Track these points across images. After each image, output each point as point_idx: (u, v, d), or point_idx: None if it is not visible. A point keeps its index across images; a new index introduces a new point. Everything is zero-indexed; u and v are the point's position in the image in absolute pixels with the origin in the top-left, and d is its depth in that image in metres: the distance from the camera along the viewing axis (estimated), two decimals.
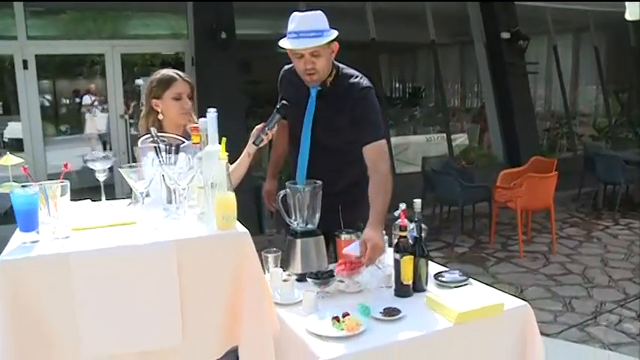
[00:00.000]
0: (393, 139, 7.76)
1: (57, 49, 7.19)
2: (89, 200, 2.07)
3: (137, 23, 7.61)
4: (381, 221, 2.25)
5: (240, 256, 1.66)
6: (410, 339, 1.82)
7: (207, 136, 1.82)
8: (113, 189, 5.06)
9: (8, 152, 1.77)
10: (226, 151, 1.77)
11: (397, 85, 13.22)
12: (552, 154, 8.53)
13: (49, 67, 8.46)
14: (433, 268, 2.32)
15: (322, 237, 2.33)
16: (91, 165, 1.95)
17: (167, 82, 2.44)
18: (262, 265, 1.97)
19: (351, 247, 2.23)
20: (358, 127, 2.43)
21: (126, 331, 1.57)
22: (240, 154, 2.42)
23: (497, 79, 8.70)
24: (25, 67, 6.40)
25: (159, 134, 2.04)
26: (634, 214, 7.16)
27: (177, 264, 1.59)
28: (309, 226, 2.31)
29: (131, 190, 1.85)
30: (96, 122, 8.78)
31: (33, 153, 6.55)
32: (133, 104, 7.87)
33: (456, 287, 2.17)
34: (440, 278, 2.24)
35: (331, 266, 2.30)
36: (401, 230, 2.10)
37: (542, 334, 2.11)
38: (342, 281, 2.18)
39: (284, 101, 2.48)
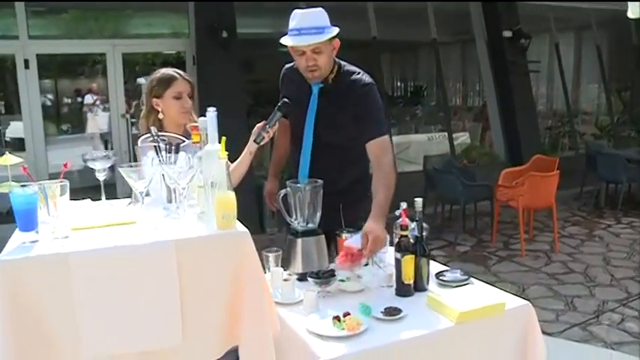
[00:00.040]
0: (395, 138, 7.75)
1: (58, 49, 7.20)
2: (89, 200, 2.06)
3: (138, 22, 7.61)
4: (382, 214, 2.24)
5: (240, 255, 1.65)
6: (411, 339, 1.81)
7: (207, 135, 1.81)
8: (114, 188, 5.05)
9: (7, 152, 1.76)
10: (227, 150, 1.76)
11: (399, 83, 13.19)
12: (554, 153, 8.52)
13: (50, 67, 8.47)
14: (434, 267, 2.31)
15: (323, 236, 2.32)
16: (90, 164, 1.94)
17: (167, 81, 2.44)
18: (263, 265, 1.97)
19: (352, 240, 2.23)
20: (361, 124, 2.44)
21: (126, 331, 1.57)
22: (242, 153, 2.41)
23: (498, 77, 8.69)
24: (27, 66, 6.41)
25: (159, 133, 2.04)
26: (636, 212, 7.14)
27: (177, 263, 1.58)
28: (310, 226, 2.30)
29: (132, 189, 1.84)
30: (97, 121, 8.79)
31: (34, 152, 6.56)
32: (134, 103, 7.86)
33: (457, 286, 2.16)
34: (441, 277, 2.24)
35: (332, 266, 2.30)
36: (402, 229, 2.09)
37: (544, 333, 2.11)
38: (343, 280, 2.17)
39: (285, 99, 2.48)
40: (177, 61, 7.23)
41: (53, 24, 7.20)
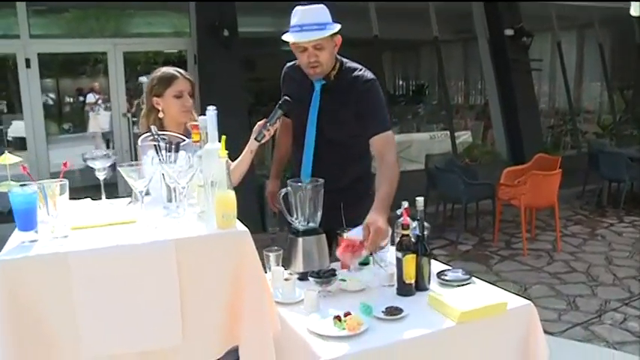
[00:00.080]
0: (397, 137, 7.65)
1: (59, 48, 7.20)
2: (89, 199, 2.06)
3: (140, 21, 7.61)
4: (385, 207, 2.23)
5: (240, 255, 1.65)
6: (412, 339, 1.80)
7: (207, 134, 1.81)
8: (116, 187, 5.04)
9: (6, 151, 1.76)
10: (228, 149, 1.75)
11: (400, 82, 13.18)
12: (556, 152, 8.50)
13: (52, 66, 8.48)
14: (436, 266, 2.31)
15: (324, 235, 2.32)
16: (90, 163, 1.93)
17: (168, 80, 2.44)
18: (264, 264, 1.96)
19: (353, 232, 2.22)
20: (364, 120, 2.44)
21: (125, 330, 1.56)
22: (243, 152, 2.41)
23: (500, 76, 8.67)
24: (28, 65, 6.41)
25: (159, 132, 2.03)
26: (639, 211, 7.12)
27: (176, 263, 1.58)
28: (311, 225, 2.30)
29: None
30: (99, 120, 8.79)
31: (36, 151, 6.56)
32: (135, 102, 7.87)
33: (458, 286, 2.16)
34: (443, 277, 2.23)
35: (333, 265, 2.29)
36: (403, 228, 2.08)
37: (546, 332, 2.10)
38: (344, 280, 2.16)
39: (286, 97, 2.47)
40: (179, 60, 7.24)
41: (54, 23, 7.20)
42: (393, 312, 1.91)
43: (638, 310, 4.18)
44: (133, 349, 1.59)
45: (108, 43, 6.87)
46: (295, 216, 2.31)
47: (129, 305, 1.55)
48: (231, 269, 1.65)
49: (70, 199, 1.68)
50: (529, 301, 2.04)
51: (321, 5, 2.39)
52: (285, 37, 2.41)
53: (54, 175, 1.61)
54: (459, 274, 2.25)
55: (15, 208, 1.56)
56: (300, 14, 2.37)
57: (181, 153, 1.83)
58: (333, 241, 2.44)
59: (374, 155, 2.49)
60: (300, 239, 2.26)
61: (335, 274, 2.14)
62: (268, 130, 2.35)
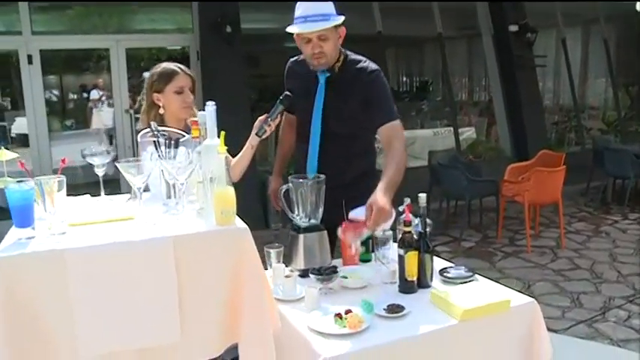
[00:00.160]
0: None
1: (62, 44, 7.18)
2: (88, 195, 2.04)
3: (142, 18, 7.59)
4: (389, 188, 2.20)
5: (240, 251, 1.63)
6: (414, 336, 1.78)
7: (206, 129, 1.79)
8: (118, 183, 5.04)
9: (2, 147, 1.74)
10: (229, 145, 1.74)
11: (404, 78, 13.14)
12: (560, 148, 8.46)
13: (54, 62, 8.45)
14: (438, 263, 2.29)
15: (325, 232, 2.30)
16: (89, 160, 1.92)
17: (168, 75, 2.42)
18: (265, 261, 1.95)
19: (356, 212, 2.18)
20: (370, 110, 2.43)
21: (123, 328, 1.55)
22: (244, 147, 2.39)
23: (505, 72, 8.64)
24: (30, 62, 6.40)
25: (159, 128, 2.01)
26: None
27: (175, 260, 1.56)
28: (312, 221, 2.28)
29: None
30: (102, 117, 8.78)
31: (38, 148, 6.56)
32: (138, 99, 7.85)
33: (461, 283, 2.14)
34: (445, 274, 2.21)
35: (334, 262, 2.27)
36: (405, 225, 2.06)
37: (549, 330, 2.08)
38: (345, 277, 2.15)
39: (287, 92, 2.46)
40: (182, 57, 7.22)
41: (57, 20, 7.19)
42: (394, 309, 1.89)
43: None
44: (131, 347, 1.58)
45: (110, 39, 6.85)
46: (296, 212, 2.29)
47: (126, 302, 1.54)
48: (231, 266, 1.63)
49: (70, 195, 1.66)
50: (532, 299, 2.02)
51: None
52: (290, 29, 2.40)
53: (56, 172, 1.60)
54: (462, 271, 2.24)
55: (12, 204, 1.55)
56: (304, 6, 2.36)
57: (181, 149, 1.81)
58: (334, 238, 2.42)
59: (381, 146, 2.47)
60: (302, 236, 2.25)
61: (336, 271, 2.12)
62: (269, 125, 2.34)
